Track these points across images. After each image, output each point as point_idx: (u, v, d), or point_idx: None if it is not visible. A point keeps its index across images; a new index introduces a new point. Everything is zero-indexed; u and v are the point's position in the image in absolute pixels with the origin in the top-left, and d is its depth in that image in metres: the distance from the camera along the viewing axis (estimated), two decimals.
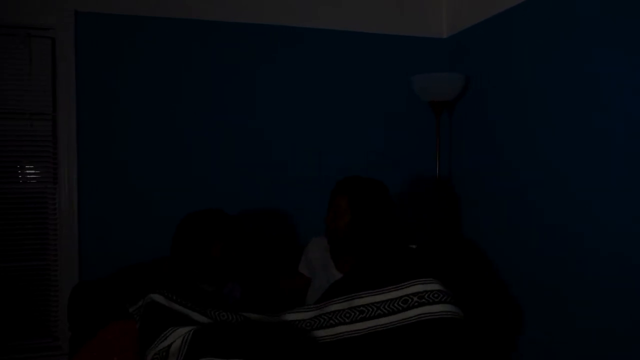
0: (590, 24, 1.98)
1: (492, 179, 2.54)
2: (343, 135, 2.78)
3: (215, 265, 1.99)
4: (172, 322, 1.68)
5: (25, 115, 2.40)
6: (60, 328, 2.41)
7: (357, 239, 2.09)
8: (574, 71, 2.06)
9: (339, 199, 2.11)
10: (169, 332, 1.64)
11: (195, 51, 2.57)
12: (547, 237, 2.18)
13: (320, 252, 2.24)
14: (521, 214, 2.33)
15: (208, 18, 2.58)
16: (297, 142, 2.71)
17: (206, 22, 2.57)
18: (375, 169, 2.71)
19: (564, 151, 2.10)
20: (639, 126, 1.79)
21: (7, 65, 2.38)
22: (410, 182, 2.85)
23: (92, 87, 2.43)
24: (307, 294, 2.23)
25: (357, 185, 2.12)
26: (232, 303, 2.05)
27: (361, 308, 1.82)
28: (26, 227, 2.43)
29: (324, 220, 2.15)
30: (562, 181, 2.11)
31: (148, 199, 2.50)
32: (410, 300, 1.79)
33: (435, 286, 1.81)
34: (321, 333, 1.81)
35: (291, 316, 1.89)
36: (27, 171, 2.46)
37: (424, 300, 1.78)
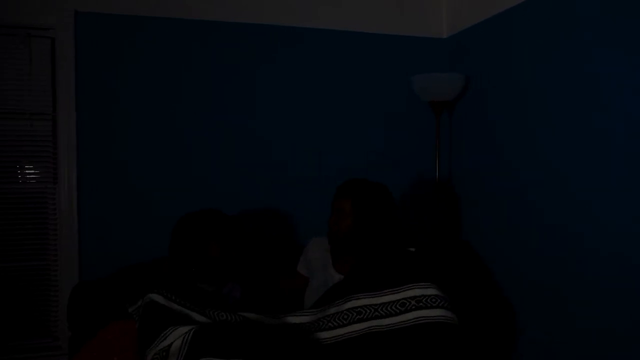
0: (590, 24, 1.98)
1: (492, 179, 2.54)
2: (343, 135, 2.78)
3: (214, 265, 1.99)
4: (172, 322, 1.68)
5: (25, 115, 2.40)
6: (60, 328, 2.41)
7: (359, 241, 2.10)
8: (574, 71, 2.06)
9: (342, 201, 2.12)
10: (169, 332, 1.64)
11: (195, 51, 2.57)
12: (547, 237, 2.18)
13: (321, 252, 2.24)
14: (521, 214, 2.33)
15: (208, 18, 2.58)
16: (297, 142, 2.71)
17: (206, 22, 2.57)
18: (375, 169, 2.72)
19: (564, 151, 2.10)
20: (639, 126, 1.79)
21: (7, 65, 2.38)
22: (410, 182, 2.85)
23: (92, 87, 2.43)
24: (304, 295, 2.23)
25: (361, 188, 2.13)
26: (232, 303, 2.05)
27: (358, 309, 1.83)
28: (26, 227, 2.43)
29: (327, 222, 2.15)
30: (562, 181, 2.11)
31: (148, 199, 2.50)
32: (408, 303, 1.81)
33: (433, 291, 1.83)
34: (320, 335, 1.82)
35: (290, 319, 1.89)
36: (27, 171, 2.46)
37: (421, 304, 1.80)
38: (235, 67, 2.62)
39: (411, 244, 2.17)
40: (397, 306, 1.81)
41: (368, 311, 1.82)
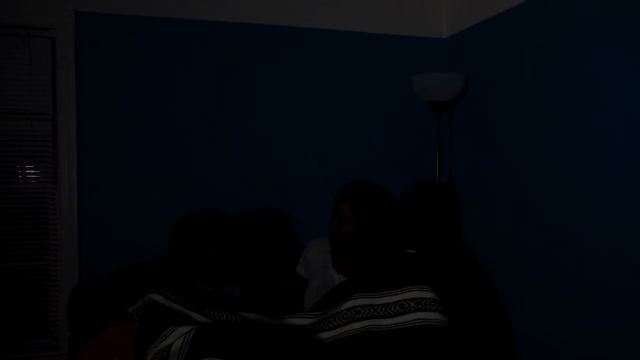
0: (590, 24, 1.98)
1: (492, 179, 2.54)
2: (343, 135, 2.78)
3: (214, 265, 1.99)
4: (172, 322, 1.68)
5: (25, 115, 2.40)
6: (60, 328, 2.41)
7: (360, 244, 2.10)
8: (574, 71, 2.06)
9: (343, 204, 2.12)
10: (169, 332, 1.64)
11: (195, 51, 2.57)
12: (547, 237, 2.18)
13: (320, 253, 2.24)
14: (521, 214, 2.33)
15: (208, 18, 2.58)
16: (297, 142, 2.71)
17: (206, 22, 2.57)
18: (375, 169, 2.73)
19: (564, 151, 2.10)
20: (639, 126, 1.79)
21: (7, 65, 2.38)
22: (410, 182, 2.85)
23: (92, 87, 2.43)
24: (304, 296, 2.23)
25: (362, 191, 2.13)
26: (232, 303, 2.05)
27: (357, 309, 1.85)
28: (26, 227, 2.43)
29: (328, 226, 2.16)
30: (562, 181, 2.11)
31: (148, 199, 2.50)
32: (407, 305, 1.83)
33: (431, 294, 1.85)
34: (320, 335, 1.83)
35: (291, 321, 1.90)
36: (27, 171, 2.46)
37: (420, 306, 1.82)
38: (235, 67, 2.62)
39: (411, 245, 2.18)
40: (396, 307, 1.83)
41: (367, 311, 1.84)
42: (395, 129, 2.86)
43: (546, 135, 2.19)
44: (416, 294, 1.84)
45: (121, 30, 2.47)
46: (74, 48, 2.39)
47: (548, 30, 2.19)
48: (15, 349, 2.38)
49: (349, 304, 1.86)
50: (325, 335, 1.82)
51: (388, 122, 2.85)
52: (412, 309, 1.81)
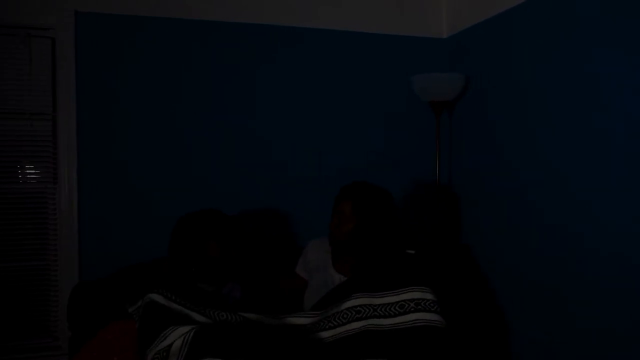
0: (590, 24, 1.98)
1: (492, 179, 2.54)
2: (343, 135, 2.78)
3: (213, 265, 1.99)
4: (172, 322, 1.68)
5: (25, 115, 2.40)
6: (60, 328, 2.41)
7: (360, 244, 2.10)
8: (574, 71, 2.06)
9: (343, 204, 2.13)
10: (169, 332, 1.64)
11: (195, 51, 2.57)
12: (547, 237, 2.18)
13: (320, 253, 2.24)
14: (521, 214, 2.33)
15: (208, 18, 2.58)
16: (297, 142, 2.71)
17: (206, 22, 2.57)
18: (375, 169, 2.73)
19: (564, 151, 2.10)
20: (639, 126, 1.79)
21: (7, 65, 2.38)
22: (410, 182, 2.85)
23: (92, 87, 2.43)
24: (304, 296, 2.23)
25: (362, 192, 2.13)
26: (232, 303, 2.05)
27: (357, 308, 1.86)
28: (26, 227, 2.43)
29: (328, 226, 2.16)
30: (562, 181, 2.11)
31: (148, 199, 2.50)
32: (407, 305, 1.84)
33: (430, 295, 1.86)
34: (320, 335, 1.83)
35: (291, 320, 1.90)
36: (27, 171, 2.46)
37: (420, 307, 1.83)
38: (235, 67, 2.62)
39: (411, 245, 2.18)
40: (396, 308, 1.84)
41: (367, 310, 1.85)
42: (395, 129, 2.86)
43: (546, 135, 2.19)
44: (416, 295, 1.85)
45: (121, 30, 2.47)
46: (74, 48, 2.39)
47: (548, 30, 2.19)
48: (15, 349, 2.38)
49: (349, 303, 1.87)
50: (325, 334, 1.82)
51: (388, 122, 2.85)
52: (412, 309, 1.82)
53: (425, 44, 2.90)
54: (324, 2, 2.75)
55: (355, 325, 1.82)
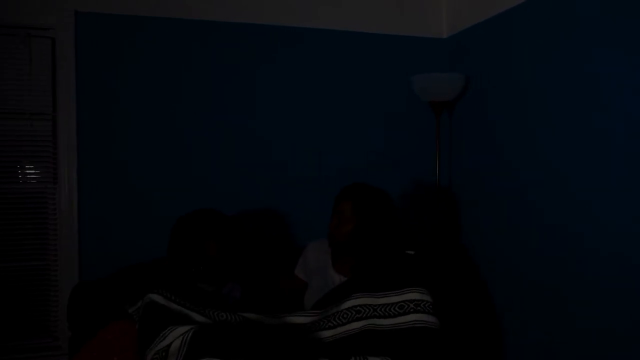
0: (590, 24, 1.98)
1: (492, 179, 2.54)
2: (343, 135, 2.78)
3: (212, 265, 1.99)
4: (171, 322, 1.68)
5: (25, 115, 2.40)
6: (60, 328, 2.41)
7: (359, 245, 2.11)
8: (574, 71, 2.06)
9: (343, 204, 2.13)
10: (167, 332, 1.64)
11: (195, 51, 2.57)
12: (547, 237, 2.18)
13: (320, 254, 2.25)
14: (521, 214, 2.33)
15: (208, 18, 2.58)
16: (297, 142, 2.71)
17: (206, 22, 2.57)
18: (375, 169, 2.73)
19: (564, 151, 2.10)
20: (639, 126, 1.79)
21: (7, 65, 2.38)
22: (410, 182, 2.85)
23: (92, 87, 2.43)
24: (304, 296, 2.23)
25: (362, 193, 2.14)
26: (232, 303, 2.05)
27: (357, 308, 1.86)
28: (26, 227, 2.43)
29: (328, 226, 2.16)
30: (562, 181, 2.11)
31: (148, 199, 2.50)
32: (406, 306, 1.85)
33: (428, 297, 1.87)
34: (320, 335, 1.83)
35: (291, 320, 1.90)
36: (27, 171, 2.46)
37: (419, 308, 1.84)
38: (235, 67, 2.62)
39: (411, 245, 2.18)
40: (396, 308, 1.85)
41: (367, 310, 1.85)
42: (395, 129, 2.86)
43: (546, 135, 2.19)
44: (416, 296, 1.86)
45: (121, 30, 2.47)
46: (74, 48, 2.39)
47: (548, 30, 2.19)
48: (15, 349, 2.38)
49: (349, 303, 1.87)
50: (325, 334, 1.83)
51: (388, 122, 2.85)
52: (412, 310, 1.83)
53: (425, 44, 2.90)
54: (324, 2, 2.75)
55: (355, 325, 1.83)
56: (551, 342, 2.15)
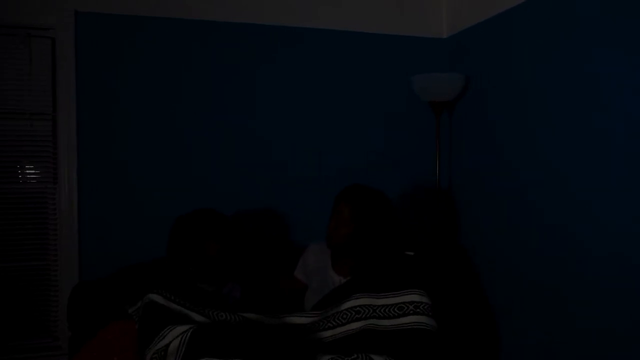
0: (590, 24, 1.98)
1: (492, 179, 2.54)
2: (343, 135, 2.78)
3: (212, 265, 2.00)
4: (171, 322, 1.68)
5: (25, 115, 2.40)
6: (60, 328, 2.41)
7: (358, 246, 2.11)
8: (574, 71, 2.06)
9: (342, 207, 2.14)
10: (166, 331, 1.64)
11: (195, 51, 2.57)
12: (547, 237, 2.18)
13: (319, 255, 2.25)
14: (521, 214, 2.33)
15: (208, 18, 2.58)
16: (297, 142, 2.71)
17: (206, 22, 2.57)
18: (375, 169, 2.73)
19: (564, 151, 2.10)
20: (639, 126, 1.79)
21: (7, 65, 2.38)
22: (410, 182, 2.85)
23: (92, 87, 2.43)
24: (304, 297, 2.23)
25: (361, 195, 2.14)
26: (232, 303, 2.05)
27: (357, 308, 1.87)
28: (26, 227, 2.43)
29: (327, 228, 2.16)
30: (562, 181, 2.11)
31: (148, 199, 2.50)
32: (406, 307, 1.86)
33: (427, 299, 1.88)
34: (320, 335, 1.83)
35: (291, 320, 1.90)
36: (27, 171, 2.46)
37: (419, 309, 1.85)
38: (235, 67, 2.62)
39: (410, 246, 2.19)
40: (395, 309, 1.85)
41: (367, 311, 1.85)
42: (395, 129, 2.86)
43: (546, 135, 2.19)
44: (415, 298, 1.87)
45: (121, 30, 2.47)
46: (74, 48, 2.39)
47: (548, 30, 2.19)
48: (15, 349, 2.38)
49: (349, 304, 1.87)
50: (324, 334, 1.83)
51: (388, 122, 2.85)
52: (411, 312, 1.84)
53: (425, 44, 2.90)
54: (324, 2, 2.75)
55: (355, 325, 1.83)
56: (551, 342, 2.15)
